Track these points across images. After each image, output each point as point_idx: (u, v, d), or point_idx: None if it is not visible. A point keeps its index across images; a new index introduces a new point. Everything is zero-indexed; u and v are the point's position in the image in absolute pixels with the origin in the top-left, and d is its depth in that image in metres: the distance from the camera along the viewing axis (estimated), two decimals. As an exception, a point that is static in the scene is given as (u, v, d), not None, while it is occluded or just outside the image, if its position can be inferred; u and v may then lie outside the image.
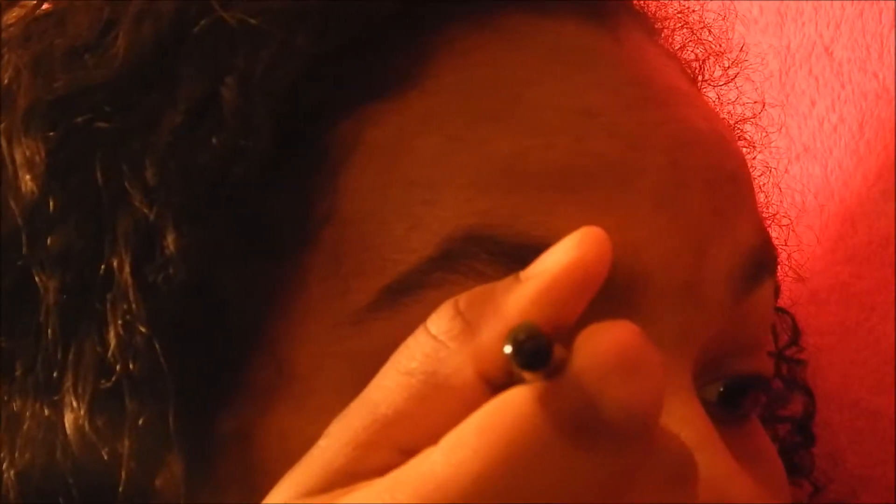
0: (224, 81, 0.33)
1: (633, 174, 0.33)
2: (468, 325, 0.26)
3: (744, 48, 0.46)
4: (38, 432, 0.32)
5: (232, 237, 0.33)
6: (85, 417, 0.32)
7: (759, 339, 0.38)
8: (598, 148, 0.33)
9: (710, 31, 0.45)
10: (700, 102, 0.39)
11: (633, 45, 0.37)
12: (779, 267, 0.43)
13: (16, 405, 0.32)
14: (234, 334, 0.33)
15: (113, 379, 0.32)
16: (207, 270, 0.32)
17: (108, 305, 0.32)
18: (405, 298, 0.32)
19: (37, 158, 0.33)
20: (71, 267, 0.32)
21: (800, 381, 0.54)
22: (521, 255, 0.30)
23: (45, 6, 0.36)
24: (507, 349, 0.23)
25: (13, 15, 0.36)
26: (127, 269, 0.32)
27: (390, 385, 0.26)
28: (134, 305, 0.32)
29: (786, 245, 0.48)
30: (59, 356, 0.32)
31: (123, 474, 0.32)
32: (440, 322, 0.26)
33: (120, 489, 0.32)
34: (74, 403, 0.32)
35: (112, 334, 0.32)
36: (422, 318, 0.28)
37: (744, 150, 0.43)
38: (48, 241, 0.32)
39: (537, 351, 0.23)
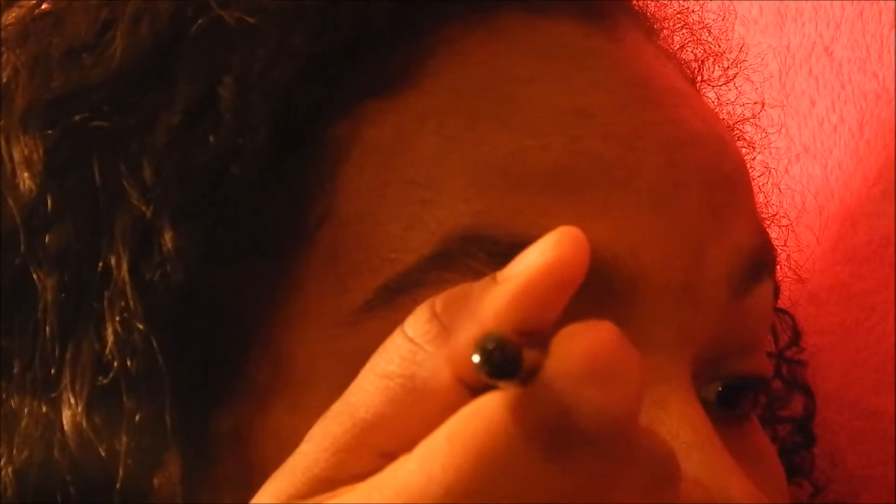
0: (222, 81, 0.33)
1: (630, 175, 0.33)
2: (444, 327, 0.25)
3: (743, 48, 0.46)
4: (36, 430, 0.32)
5: (229, 236, 0.33)
6: (82, 415, 0.32)
7: (757, 339, 0.38)
8: (595, 148, 0.33)
9: (709, 32, 0.45)
10: (698, 103, 0.39)
11: (630, 46, 0.37)
12: (779, 267, 0.43)
13: (14, 403, 0.33)
14: (230, 333, 0.33)
15: (110, 376, 0.32)
16: (204, 269, 0.32)
17: (106, 303, 0.32)
18: (402, 297, 0.32)
19: (35, 157, 0.33)
20: (69, 265, 0.32)
21: (800, 382, 0.54)
22: (517, 254, 0.30)
23: (43, 6, 0.36)
24: (476, 358, 0.23)
25: (12, 15, 0.36)
26: (124, 267, 0.32)
27: (369, 388, 0.26)
28: (131, 303, 0.32)
29: (785, 245, 0.48)
30: (57, 354, 0.32)
31: (121, 472, 0.32)
32: (416, 325, 0.26)
33: (117, 487, 0.32)
34: (72, 401, 0.32)
35: (109, 332, 0.32)
36: None
37: (743, 150, 0.43)
38: (46, 239, 0.33)
39: (505, 361, 0.23)
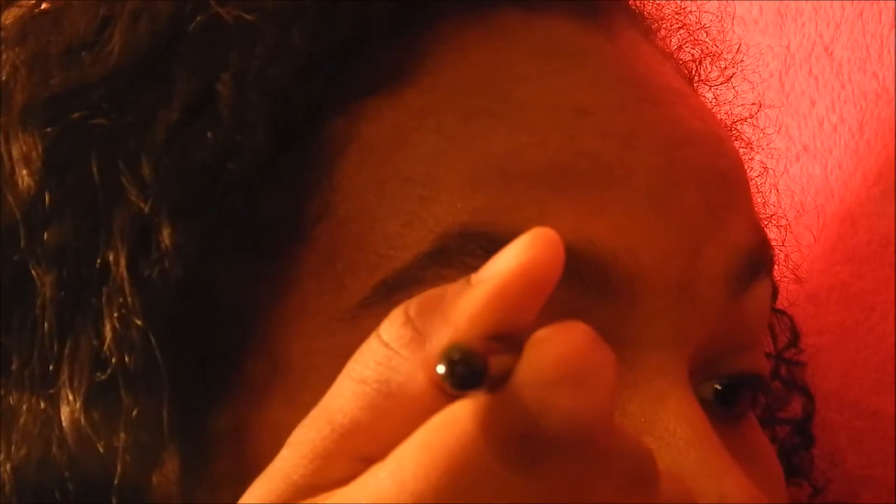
0: (220, 78, 0.33)
1: (628, 174, 0.33)
2: (418, 332, 0.25)
3: (741, 48, 0.46)
4: (35, 426, 0.32)
5: (227, 233, 0.33)
6: (81, 411, 0.32)
7: (755, 338, 0.38)
8: (592, 147, 0.33)
9: (706, 32, 0.45)
10: (695, 102, 0.39)
11: (627, 44, 0.37)
12: (777, 267, 0.43)
13: (12, 399, 0.33)
14: (228, 329, 0.33)
15: (108, 372, 0.32)
16: (202, 266, 0.32)
17: (104, 299, 0.32)
18: (400, 294, 0.32)
19: (34, 154, 0.33)
20: (67, 261, 0.33)
21: (799, 383, 0.54)
22: None
23: (42, 5, 0.36)
24: (440, 369, 0.23)
25: (11, 14, 0.36)
26: (123, 263, 0.32)
27: (346, 394, 0.25)
28: (129, 299, 0.32)
29: (784, 246, 0.48)
30: (55, 350, 0.32)
31: (119, 469, 0.32)
32: (391, 329, 0.25)
33: (116, 483, 0.32)
34: (70, 397, 0.32)
35: (108, 328, 0.32)
36: None
37: (742, 150, 0.43)
38: (45, 236, 0.33)
39: (469, 373, 0.22)
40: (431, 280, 0.32)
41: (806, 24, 0.56)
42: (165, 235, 0.32)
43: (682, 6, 0.44)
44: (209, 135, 0.33)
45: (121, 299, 0.32)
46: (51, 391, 0.32)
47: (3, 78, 0.35)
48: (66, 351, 0.32)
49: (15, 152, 0.33)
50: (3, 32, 0.36)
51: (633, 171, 0.34)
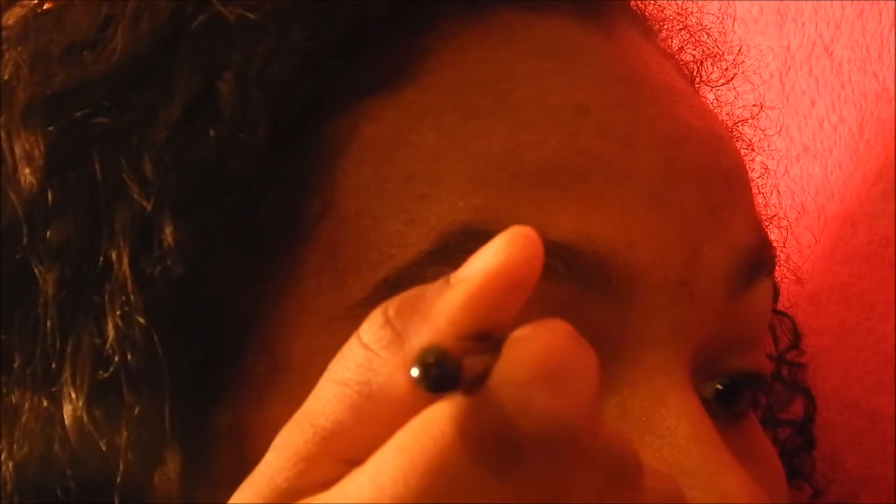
0: (221, 76, 0.33)
1: (627, 172, 0.34)
2: (397, 333, 0.25)
3: (742, 49, 0.46)
4: (37, 424, 0.32)
5: (228, 231, 0.33)
6: (83, 409, 0.32)
7: (756, 338, 0.38)
8: (591, 145, 0.33)
9: (707, 34, 0.45)
10: (696, 102, 0.39)
11: (627, 43, 0.37)
12: (778, 268, 0.43)
13: (14, 397, 0.33)
14: (229, 327, 0.34)
15: (110, 370, 0.32)
16: (204, 263, 0.32)
17: (106, 297, 0.32)
18: (401, 293, 0.32)
19: (36, 153, 0.33)
20: (69, 259, 0.33)
21: (800, 385, 0.54)
22: None
23: (44, 5, 0.37)
24: (414, 372, 0.22)
25: (13, 13, 0.36)
26: (125, 261, 0.32)
27: (327, 396, 0.25)
28: (132, 297, 0.32)
29: (784, 246, 0.48)
30: (58, 348, 0.32)
31: (121, 466, 0.32)
32: (370, 331, 0.25)
33: (118, 481, 0.32)
34: (72, 395, 0.32)
35: (110, 326, 0.32)
36: None
37: (743, 151, 0.44)
38: (47, 234, 0.33)
39: (442, 376, 0.22)
40: (432, 278, 0.31)
41: (806, 25, 0.56)
42: (167, 233, 0.32)
43: (684, 7, 0.44)
44: (211, 133, 0.33)
45: (123, 297, 0.32)
46: (53, 389, 0.32)
47: (6, 77, 0.35)
48: (68, 349, 0.32)
49: (17, 150, 0.33)
50: (5, 31, 0.36)
51: (634, 169, 0.34)
